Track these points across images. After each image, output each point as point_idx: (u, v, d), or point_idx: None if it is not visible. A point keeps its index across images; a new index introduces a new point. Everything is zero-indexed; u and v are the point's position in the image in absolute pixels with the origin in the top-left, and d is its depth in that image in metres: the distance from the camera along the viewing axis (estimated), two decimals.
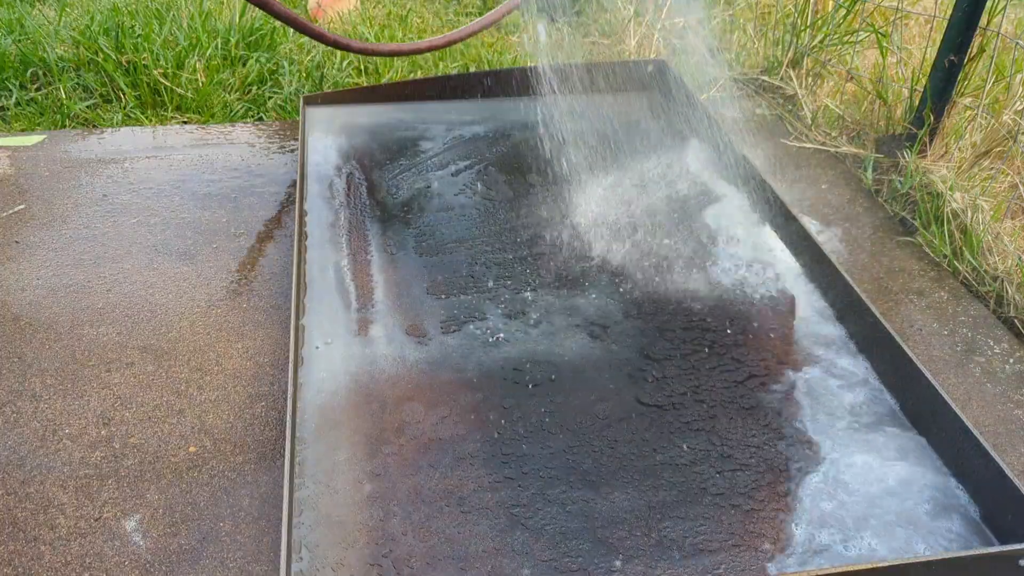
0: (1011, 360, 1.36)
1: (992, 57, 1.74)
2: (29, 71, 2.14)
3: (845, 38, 2.10)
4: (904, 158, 1.79)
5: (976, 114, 1.77)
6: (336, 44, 1.79)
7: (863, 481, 1.09)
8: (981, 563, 0.94)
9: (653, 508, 1.05)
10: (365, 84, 2.18)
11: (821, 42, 2.13)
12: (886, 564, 0.91)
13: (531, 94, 1.97)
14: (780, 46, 2.22)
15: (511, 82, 1.96)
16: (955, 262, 1.56)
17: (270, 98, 2.12)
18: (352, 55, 2.29)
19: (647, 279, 1.43)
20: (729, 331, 1.33)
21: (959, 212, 1.61)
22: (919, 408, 1.16)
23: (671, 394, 1.21)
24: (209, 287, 1.46)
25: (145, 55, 2.11)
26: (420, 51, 1.93)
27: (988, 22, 1.69)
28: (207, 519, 1.08)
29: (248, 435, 1.19)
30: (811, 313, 1.37)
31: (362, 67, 2.27)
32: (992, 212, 1.62)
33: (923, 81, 1.81)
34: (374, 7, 2.68)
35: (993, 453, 1.04)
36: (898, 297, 1.50)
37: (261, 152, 1.85)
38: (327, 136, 1.81)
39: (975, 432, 1.07)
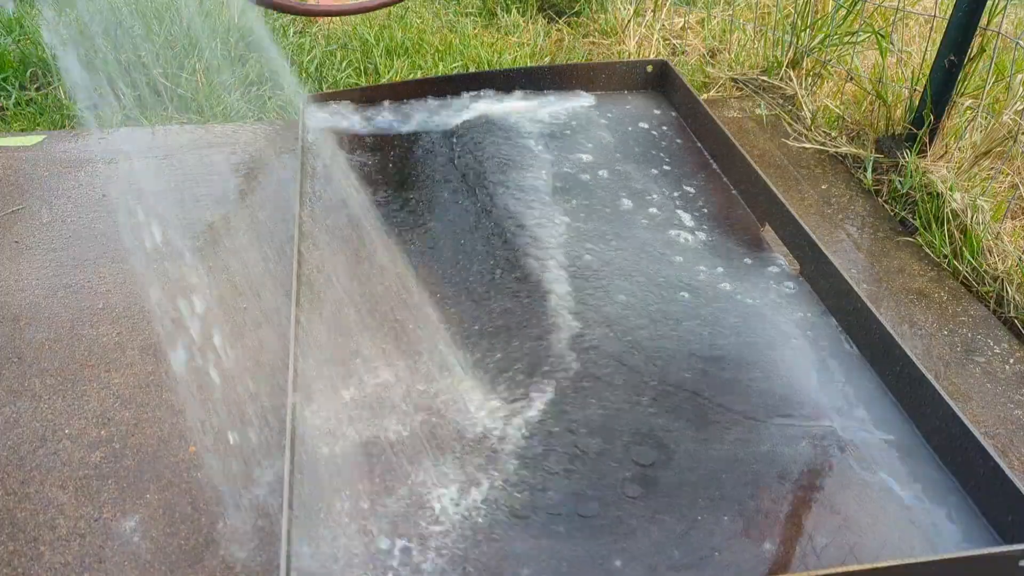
0: (1011, 360, 1.37)
1: (992, 57, 1.74)
2: (29, 71, 2.14)
3: (845, 38, 2.11)
4: (904, 158, 1.79)
5: (976, 114, 1.78)
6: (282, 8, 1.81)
7: (861, 480, 1.09)
8: (981, 563, 0.94)
9: (658, 510, 1.05)
10: (365, 84, 2.18)
11: (821, 42, 2.14)
12: (886, 564, 0.91)
13: (532, 93, 1.98)
14: (780, 46, 2.23)
15: (511, 82, 1.96)
16: (955, 262, 1.56)
17: (270, 98, 2.12)
18: (351, 55, 2.30)
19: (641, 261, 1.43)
20: (727, 326, 1.33)
21: (959, 212, 1.61)
22: (918, 408, 1.16)
23: (664, 372, 1.21)
24: (209, 287, 1.46)
25: (145, 55, 2.11)
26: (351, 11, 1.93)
27: (988, 22, 1.69)
28: (207, 519, 1.08)
29: (248, 435, 1.19)
30: (810, 313, 1.37)
31: (362, 67, 2.27)
32: (992, 212, 1.62)
33: (923, 81, 1.81)
34: None
35: (993, 453, 1.04)
36: (898, 297, 1.50)
37: (261, 152, 1.85)
38: (327, 136, 1.81)
39: (975, 432, 1.07)
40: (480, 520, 1.03)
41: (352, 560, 0.97)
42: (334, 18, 2.56)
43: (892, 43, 1.99)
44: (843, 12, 2.10)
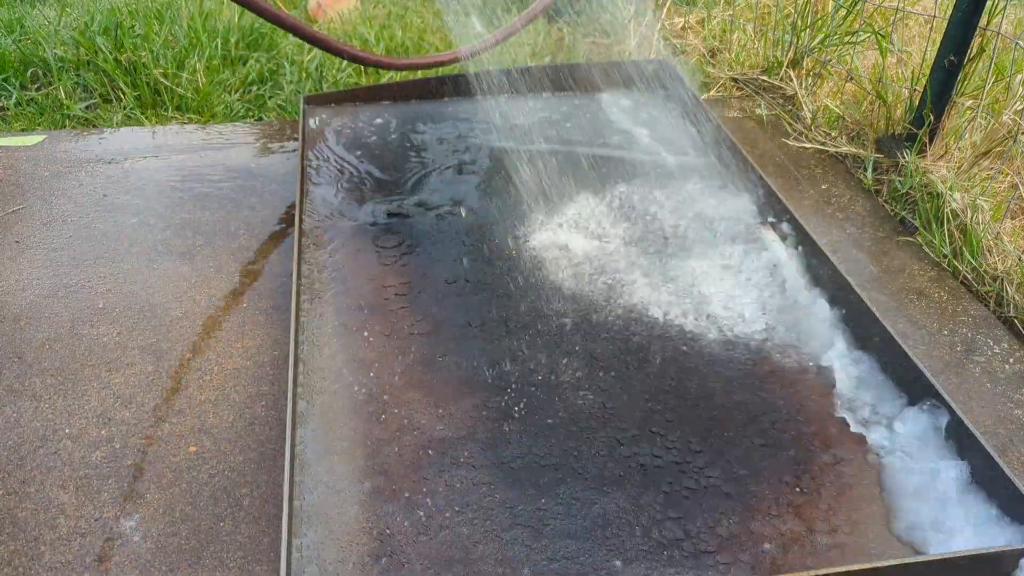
0: (1011, 360, 1.37)
1: (992, 57, 1.74)
2: (29, 71, 2.14)
3: (845, 38, 2.10)
4: (904, 158, 1.79)
5: (976, 114, 1.78)
6: (377, 63, 1.85)
7: (862, 480, 1.09)
8: (981, 563, 0.94)
9: (654, 509, 1.05)
10: (365, 84, 2.18)
11: (821, 42, 2.13)
12: (886, 564, 0.91)
13: (532, 92, 1.98)
14: (780, 46, 2.23)
15: (513, 81, 1.96)
16: (955, 262, 1.56)
17: (270, 98, 2.12)
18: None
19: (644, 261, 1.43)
20: (727, 323, 1.33)
21: (959, 212, 1.61)
22: (917, 407, 1.16)
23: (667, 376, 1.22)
24: (209, 287, 1.46)
25: (145, 55, 2.11)
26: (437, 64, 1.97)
27: (988, 22, 1.69)
28: (207, 519, 1.08)
29: (248, 435, 1.19)
30: (810, 313, 1.37)
31: (362, 67, 2.27)
32: (992, 212, 1.62)
33: (923, 81, 1.81)
34: (374, 7, 2.68)
35: (993, 453, 1.04)
36: (898, 297, 1.50)
37: (261, 152, 1.85)
38: (327, 136, 1.81)
39: (975, 432, 1.07)
40: None
41: None
42: (333, 19, 2.56)
43: (892, 43, 1.99)
44: (843, 12, 2.10)
